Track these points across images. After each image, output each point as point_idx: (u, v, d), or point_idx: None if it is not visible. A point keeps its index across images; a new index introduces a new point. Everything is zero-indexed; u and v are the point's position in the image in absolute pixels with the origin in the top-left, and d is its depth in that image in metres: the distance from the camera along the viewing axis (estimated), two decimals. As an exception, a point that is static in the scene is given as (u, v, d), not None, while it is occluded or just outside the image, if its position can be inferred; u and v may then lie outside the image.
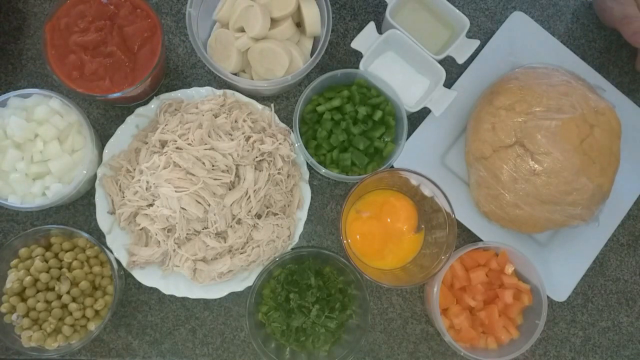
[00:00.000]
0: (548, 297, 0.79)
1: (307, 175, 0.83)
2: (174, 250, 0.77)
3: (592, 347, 0.88)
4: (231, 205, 0.76)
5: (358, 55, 0.80)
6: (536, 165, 0.75)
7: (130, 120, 0.81)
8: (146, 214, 0.77)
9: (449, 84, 0.83)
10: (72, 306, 0.74)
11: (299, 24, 0.81)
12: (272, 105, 0.83)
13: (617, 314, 0.89)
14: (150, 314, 0.83)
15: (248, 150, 0.77)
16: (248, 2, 0.75)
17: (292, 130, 0.79)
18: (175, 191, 0.73)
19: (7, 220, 0.83)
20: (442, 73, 0.79)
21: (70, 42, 0.72)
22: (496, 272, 0.81)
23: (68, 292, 0.74)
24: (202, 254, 0.77)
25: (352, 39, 0.79)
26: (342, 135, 0.78)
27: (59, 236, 0.77)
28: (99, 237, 0.80)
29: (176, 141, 0.75)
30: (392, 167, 0.81)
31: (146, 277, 0.79)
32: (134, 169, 0.79)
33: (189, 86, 0.84)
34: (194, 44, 0.74)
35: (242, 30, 0.77)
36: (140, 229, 0.79)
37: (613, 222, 0.85)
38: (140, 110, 0.82)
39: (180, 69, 0.86)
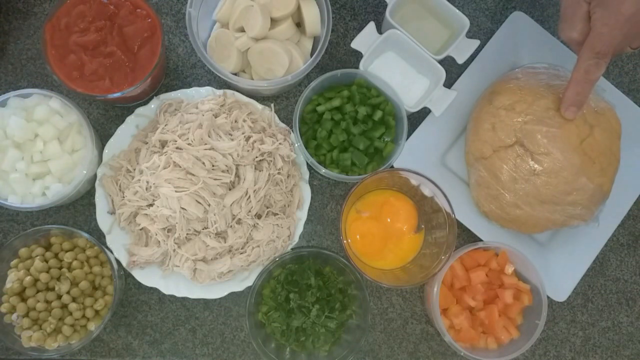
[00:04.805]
0: (548, 297, 0.79)
1: (307, 175, 0.83)
2: (174, 250, 0.77)
3: (592, 347, 0.88)
4: (231, 205, 0.76)
5: (358, 55, 0.80)
6: (536, 165, 0.75)
7: (130, 120, 0.81)
8: (146, 214, 0.77)
9: (449, 84, 0.83)
10: (72, 306, 0.74)
11: (299, 24, 0.81)
12: (272, 105, 0.83)
13: (617, 314, 0.89)
14: (150, 314, 0.83)
15: (248, 150, 0.77)
16: (248, 2, 0.75)
17: (292, 130, 0.79)
18: (175, 191, 0.73)
19: (7, 220, 0.83)
20: (442, 73, 0.79)
21: (70, 42, 0.72)
22: (496, 272, 0.81)
23: (68, 292, 0.74)
24: (202, 254, 0.77)
25: (352, 39, 0.79)
26: (342, 135, 0.78)
27: (59, 236, 0.77)
28: (99, 237, 0.80)
29: (176, 141, 0.75)
30: (392, 167, 0.81)
31: (146, 277, 0.79)
32: (134, 169, 0.79)
33: (189, 86, 0.84)
34: (194, 44, 0.74)
35: (242, 30, 0.77)
36: (140, 229, 0.79)
37: (613, 222, 0.85)
38: (140, 110, 0.82)
39: (180, 69, 0.86)
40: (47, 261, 0.75)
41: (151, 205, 0.76)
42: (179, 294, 0.80)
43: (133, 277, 0.80)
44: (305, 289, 0.78)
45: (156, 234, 0.77)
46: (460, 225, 0.82)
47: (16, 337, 0.74)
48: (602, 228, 0.83)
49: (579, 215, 0.78)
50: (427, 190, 0.78)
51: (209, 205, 0.74)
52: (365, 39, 0.79)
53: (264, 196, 0.78)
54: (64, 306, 0.74)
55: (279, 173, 0.79)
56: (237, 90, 0.82)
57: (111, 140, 0.81)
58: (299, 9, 0.78)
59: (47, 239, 0.78)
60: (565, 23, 0.69)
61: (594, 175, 0.76)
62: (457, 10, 0.79)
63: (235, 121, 0.79)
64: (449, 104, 0.80)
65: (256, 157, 0.77)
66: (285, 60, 0.75)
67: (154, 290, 0.81)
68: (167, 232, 0.77)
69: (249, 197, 0.77)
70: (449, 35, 0.83)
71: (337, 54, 0.88)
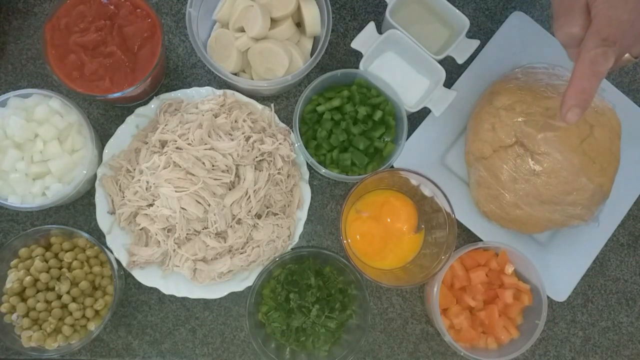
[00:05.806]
0: (548, 297, 0.79)
1: (307, 175, 0.83)
2: (174, 250, 0.77)
3: (592, 347, 0.88)
4: (231, 205, 0.76)
5: (358, 55, 0.80)
6: (536, 166, 0.75)
7: (130, 120, 0.81)
8: (146, 214, 0.77)
9: (449, 84, 0.83)
10: (72, 306, 0.74)
11: (299, 24, 0.81)
12: (272, 105, 0.83)
13: (617, 314, 0.89)
14: (150, 314, 0.83)
15: (248, 150, 0.77)
16: (248, 2, 0.75)
17: (292, 130, 0.79)
18: (175, 191, 0.73)
19: (7, 220, 0.83)
20: (442, 73, 0.78)
21: (70, 42, 0.72)
22: (496, 272, 0.81)
23: (68, 292, 0.74)
24: (202, 254, 0.77)
25: (352, 39, 0.79)
26: (342, 135, 0.78)
27: (59, 236, 0.77)
28: (99, 237, 0.80)
29: (176, 141, 0.75)
30: (392, 167, 0.81)
31: (146, 277, 0.79)
32: (134, 169, 0.79)
33: (189, 86, 0.84)
34: (194, 44, 0.74)
35: (242, 30, 0.77)
36: (140, 229, 0.79)
37: (613, 222, 0.85)
38: (140, 110, 0.82)
39: (180, 69, 0.86)
40: (47, 261, 0.75)
41: (151, 205, 0.76)
42: (179, 294, 0.80)
43: (133, 277, 0.80)
44: (305, 289, 0.78)
45: (156, 234, 0.77)
46: (460, 225, 0.82)
47: (16, 337, 0.74)
48: (602, 228, 0.83)
49: (579, 215, 0.78)
50: (427, 190, 0.78)
51: (209, 205, 0.74)
52: (365, 39, 0.79)
53: (264, 196, 0.78)
54: (64, 306, 0.74)
55: (279, 173, 0.79)
56: (237, 90, 0.82)
57: (111, 140, 0.81)
58: (299, 9, 0.78)
59: (47, 239, 0.78)
60: (562, 18, 0.60)
61: (594, 175, 0.76)
62: (457, 10, 0.79)
63: (235, 121, 0.79)
64: (449, 104, 0.80)
65: (256, 157, 0.77)
66: (285, 60, 0.75)
67: (154, 290, 0.81)
68: (167, 232, 0.77)
69: (249, 197, 0.77)
70: (449, 35, 0.83)
71: (337, 54, 0.88)
